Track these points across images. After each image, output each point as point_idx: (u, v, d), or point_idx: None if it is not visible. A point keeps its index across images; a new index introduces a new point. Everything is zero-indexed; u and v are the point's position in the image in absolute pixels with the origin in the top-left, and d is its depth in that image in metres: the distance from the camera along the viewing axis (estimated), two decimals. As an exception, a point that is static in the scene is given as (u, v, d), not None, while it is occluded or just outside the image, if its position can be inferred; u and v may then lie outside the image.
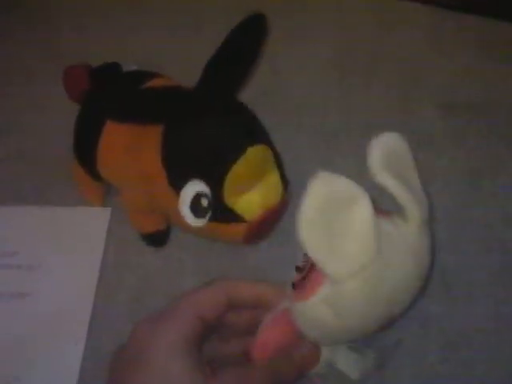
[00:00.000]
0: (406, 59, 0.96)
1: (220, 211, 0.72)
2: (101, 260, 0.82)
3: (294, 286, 0.54)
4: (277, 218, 0.76)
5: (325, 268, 0.49)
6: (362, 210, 0.48)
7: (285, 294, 0.56)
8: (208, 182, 0.71)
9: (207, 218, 0.72)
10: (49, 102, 0.96)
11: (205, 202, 0.71)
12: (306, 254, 0.50)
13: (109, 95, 0.76)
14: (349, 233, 0.48)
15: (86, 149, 0.82)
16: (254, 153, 0.71)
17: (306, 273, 0.53)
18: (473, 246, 0.79)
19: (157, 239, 0.84)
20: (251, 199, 0.72)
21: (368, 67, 0.95)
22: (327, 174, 0.48)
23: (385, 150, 0.51)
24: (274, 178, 0.74)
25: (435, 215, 0.80)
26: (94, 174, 0.83)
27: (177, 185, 0.72)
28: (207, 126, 0.71)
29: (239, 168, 0.70)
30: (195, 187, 0.71)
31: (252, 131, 0.73)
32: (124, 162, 0.76)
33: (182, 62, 0.99)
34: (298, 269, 0.54)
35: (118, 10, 1.11)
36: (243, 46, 0.74)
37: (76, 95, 0.84)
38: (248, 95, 0.79)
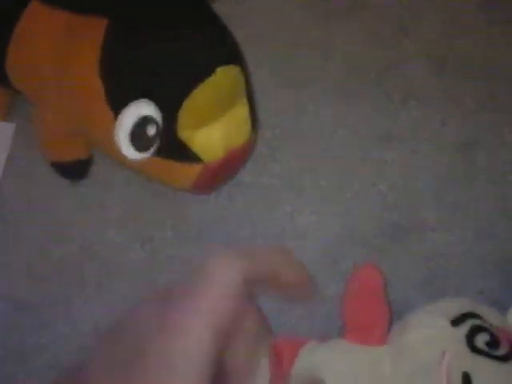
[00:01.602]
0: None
1: (170, 145, 0.55)
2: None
3: None
4: (240, 164, 0.60)
5: None
6: None
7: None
8: (160, 105, 0.54)
9: (151, 151, 0.55)
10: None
11: (151, 131, 0.54)
12: None
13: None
14: None
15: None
16: (225, 75, 0.55)
17: None
18: (462, 232, 0.66)
19: (74, 171, 0.66)
20: (212, 135, 0.56)
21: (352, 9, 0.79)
22: None
23: None
24: (242, 111, 0.57)
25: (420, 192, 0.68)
26: (0, 76, 0.63)
27: (116, 103, 0.54)
28: (169, 31, 0.53)
29: (203, 92, 0.54)
30: (141, 109, 0.54)
31: (226, 47, 0.55)
32: (48, 62, 0.57)
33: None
34: None
35: None
36: None
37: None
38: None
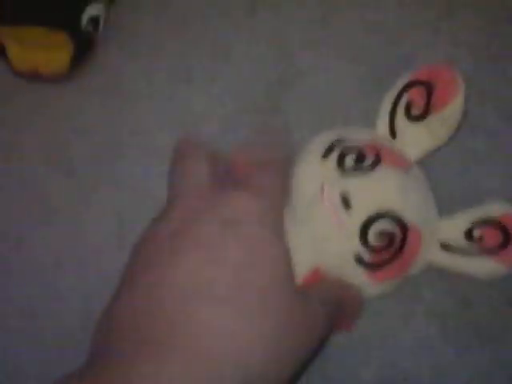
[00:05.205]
0: None
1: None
2: None
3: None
4: (46, 79, 0.66)
5: None
6: None
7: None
8: None
9: None
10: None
11: None
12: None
13: None
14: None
15: None
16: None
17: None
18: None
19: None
20: (27, 52, 0.63)
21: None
22: None
23: None
24: (63, 53, 0.63)
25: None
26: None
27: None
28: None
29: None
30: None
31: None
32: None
33: None
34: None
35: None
36: None
37: None
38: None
